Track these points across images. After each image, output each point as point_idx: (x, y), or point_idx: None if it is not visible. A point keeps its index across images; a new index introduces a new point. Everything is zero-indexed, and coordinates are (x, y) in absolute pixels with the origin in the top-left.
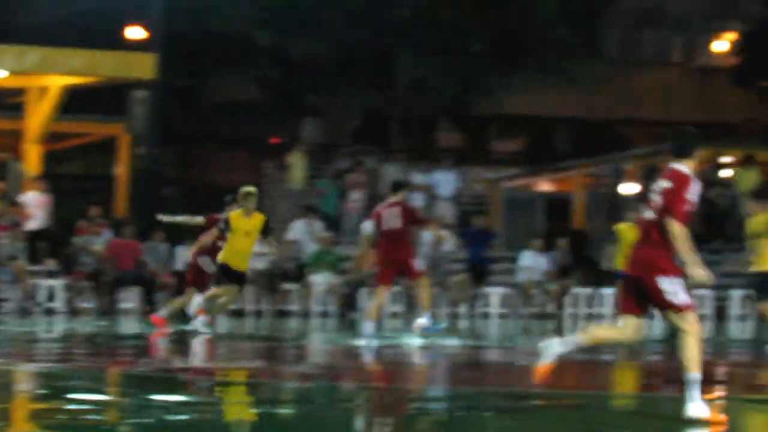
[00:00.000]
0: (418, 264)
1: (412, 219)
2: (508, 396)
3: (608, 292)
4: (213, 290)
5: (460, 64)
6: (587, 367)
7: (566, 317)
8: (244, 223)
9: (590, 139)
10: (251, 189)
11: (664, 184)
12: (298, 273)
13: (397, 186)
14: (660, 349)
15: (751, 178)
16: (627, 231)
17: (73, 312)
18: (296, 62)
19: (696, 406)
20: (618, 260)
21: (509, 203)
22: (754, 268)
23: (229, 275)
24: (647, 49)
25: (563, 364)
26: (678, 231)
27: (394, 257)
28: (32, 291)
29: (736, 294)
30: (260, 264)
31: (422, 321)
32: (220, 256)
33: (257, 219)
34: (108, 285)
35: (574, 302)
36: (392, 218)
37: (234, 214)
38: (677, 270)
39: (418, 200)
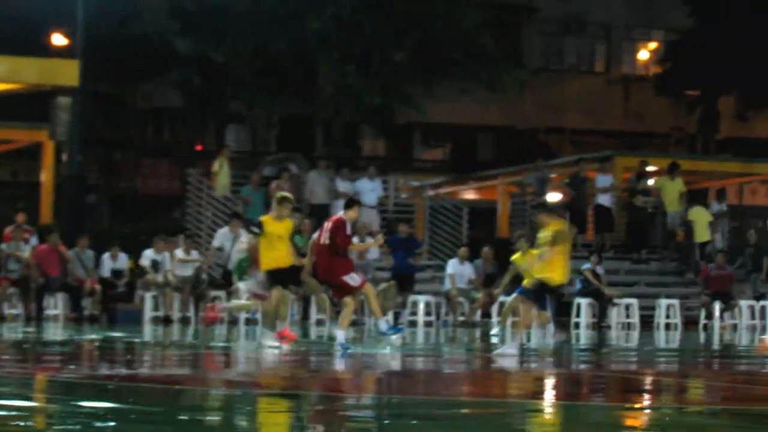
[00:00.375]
0: (353, 279)
1: (337, 241)
2: (434, 404)
3: None
4: (269, 302)
5: (383, 71)
6: (513, 376)
7: (492, 325)
8: (276, 226)
9: (514, 147)
10: (287, 195)
11: None
12: (225, 280)
13: (351, 202)
14: (586, 358)
15: (675, 187)
16: (520, 260)
17: (0, 318)
18: (219, 69)
19: None
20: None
21: (433, 211)
22: (537, 274)
23: (280, 276)
24: (570, 57)
25: (491, 372)
26: None
27: (327, 277)
28: None
29: (663, 303)
30: (186, 271)
31: (381, 326)
32: (262, 267)
33: (288, 224)
34: (35, 291)
35: (500, 310)
36: (326, 233)
37: (267, 218)
38: None
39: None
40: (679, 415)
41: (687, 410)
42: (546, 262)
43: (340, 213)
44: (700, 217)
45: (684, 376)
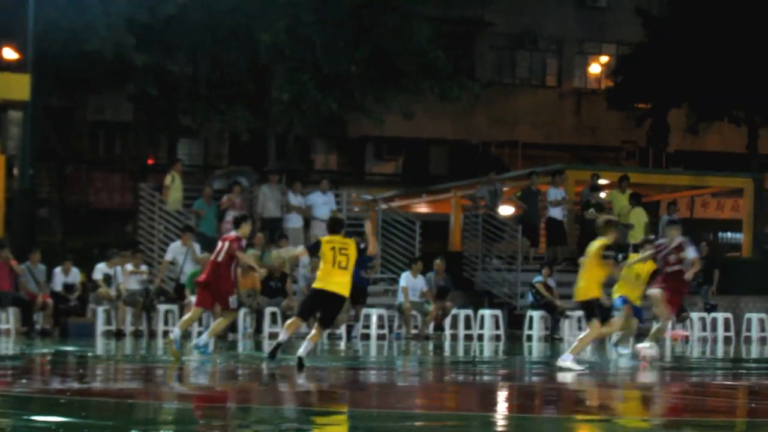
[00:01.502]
0: (233, 302)
1: (233, 255)
2: (388, 417)
3: (484, 314)
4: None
5: (336, 84)
6: (466, 389)
7: (445, 338)
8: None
9: (466, 160)
10: (613, 218)
11: None
12: (177, 294)
13: (240, 219)
14: (536, 370)
15: (626, 200)
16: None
17: None
18: (173, 82)
19: None
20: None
21: (386, 225)
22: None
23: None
24: (522, 71)
25: (445, 385)
26: None
27: (217, 286)
28: None
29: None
30: (135, 285)
31: (203, 339)
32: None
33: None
34: None
35: (453, 323)
36: (222, 252)
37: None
38: None
39: (294, 221)
40: (629, 426)
41: (636, 422)
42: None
43: (232, 233)
44: (639, 218)
45: (634, 387)
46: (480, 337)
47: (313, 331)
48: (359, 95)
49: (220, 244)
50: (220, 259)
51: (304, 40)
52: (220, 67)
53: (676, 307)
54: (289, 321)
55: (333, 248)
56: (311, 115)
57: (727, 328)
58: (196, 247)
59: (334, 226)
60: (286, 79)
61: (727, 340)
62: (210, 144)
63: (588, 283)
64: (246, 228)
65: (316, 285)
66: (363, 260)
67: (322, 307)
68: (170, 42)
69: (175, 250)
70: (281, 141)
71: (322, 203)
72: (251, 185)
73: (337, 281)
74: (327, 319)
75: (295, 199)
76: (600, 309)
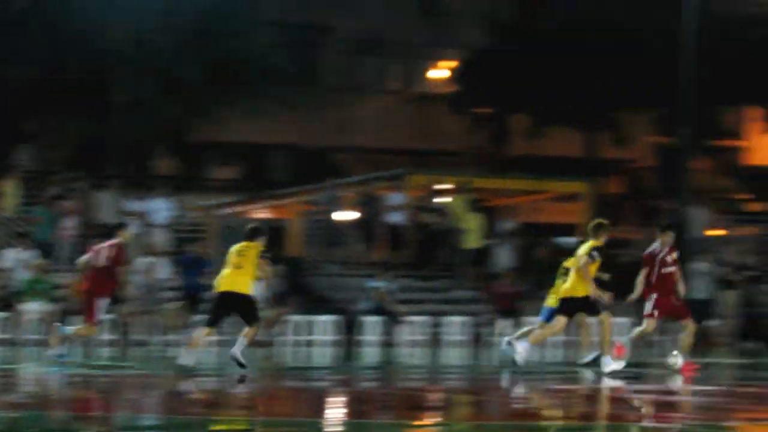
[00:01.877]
0: (99, 312)
1: (119, 262)
2: (232, 421)
3: (323, 319)
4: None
5: (178, 89)
6: (302, 395)
7: (280, 344)
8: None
9: (307, 166)
10: (603, 221)
11: None
12: (9, 301)
13: (119, 227)
14: (374, 376)
15: (465, 204)
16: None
17: None
18: (11, 87)
19: None
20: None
21: (225, 230)
22: None
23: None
24: (365, 76)
25: (279, 391)
26: None
27: (90, 296)
28: None
29: (452, 320)
30: None
31: (59, 351)
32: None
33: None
34: None
35: (293, 329)
36: (103, 257)
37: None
38: None
39: (132, 228)
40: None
41: (460, 426)
42: None
43: (114, 239)
44: (472, 223)
45: (466, 392)
46: (316, 343)
47: (246, 329)
48: (201, 100)
49: (101, 249)
50: (101, 264)
51: (147, 44)
52: (60, 72)
53: (670, 310)
54: (197, 333)
55: (233, 252)
56: (151, 120)
57: (568, 333)
58: (32, 253)
59: (251, 234)
60: (127, 83)
61: (566, 345)
62: (48, 149)
63: (574, 282)
64: (126, 234)
65: (216, 289)
66: (200, 266)
67: (233, 309)
68: (8, 46)
69: (9, 257)
70: (120, 146)
71: (160, 209)
72: (89, 191)
73: (234, 280)
74: (248, 315)
75: (133, 205)
76: (574, 308)
